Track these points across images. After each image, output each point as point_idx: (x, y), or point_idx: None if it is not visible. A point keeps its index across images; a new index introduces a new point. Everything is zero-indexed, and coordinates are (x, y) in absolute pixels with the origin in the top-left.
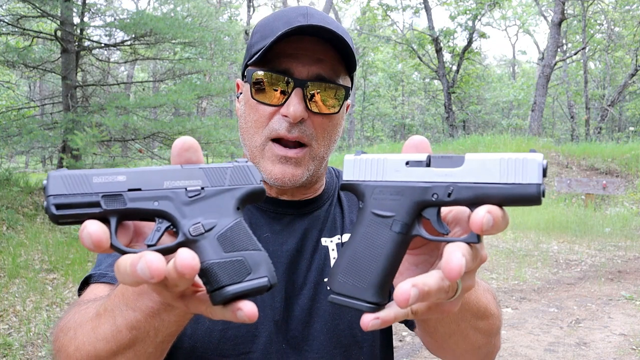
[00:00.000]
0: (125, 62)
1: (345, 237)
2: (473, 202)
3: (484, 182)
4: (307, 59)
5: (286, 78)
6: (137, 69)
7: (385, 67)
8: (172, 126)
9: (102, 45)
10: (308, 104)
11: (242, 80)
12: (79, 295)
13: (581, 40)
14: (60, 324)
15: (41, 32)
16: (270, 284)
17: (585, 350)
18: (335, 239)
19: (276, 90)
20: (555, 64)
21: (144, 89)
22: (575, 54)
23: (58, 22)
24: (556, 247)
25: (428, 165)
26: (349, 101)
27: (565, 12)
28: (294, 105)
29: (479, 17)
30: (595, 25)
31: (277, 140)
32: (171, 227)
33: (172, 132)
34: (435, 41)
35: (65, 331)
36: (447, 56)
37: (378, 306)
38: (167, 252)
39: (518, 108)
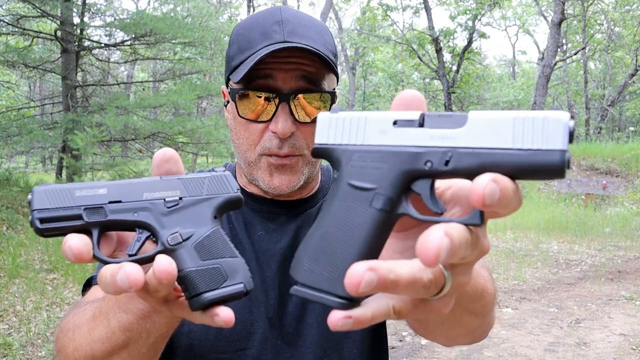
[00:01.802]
0: (125, 62)
1: None
2: (477, 173)
3: (492, 147)
4: (289, 66)
5: (271, 94)
6: (137, 69)
7: (385, 67)
8: (172, 126)
9: (102, 45)
10: (296, 115)
11: (227, 87)
12: (83, 295)
13: (581, 40)
14: (61, 324)
15: (41, 32)
16: (246, 290)
17: (585, 350)
18: None
19: (262, 107)
20: (555, 64)
21: (144, 89)
22: (575, 54)
23: (58, 22)
24: (556, 247)
25: (421, 125)
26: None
27: (565, 12)
28: (282, 122)
29: (479, 17)
30: (595, 25)
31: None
32: (151, 236)
33: (172, 132)
34: (435, 41)
35: (65, 332)
36: (447, 56)
37: (351, 302)
38: (147, 261)
39: (518, 108)
